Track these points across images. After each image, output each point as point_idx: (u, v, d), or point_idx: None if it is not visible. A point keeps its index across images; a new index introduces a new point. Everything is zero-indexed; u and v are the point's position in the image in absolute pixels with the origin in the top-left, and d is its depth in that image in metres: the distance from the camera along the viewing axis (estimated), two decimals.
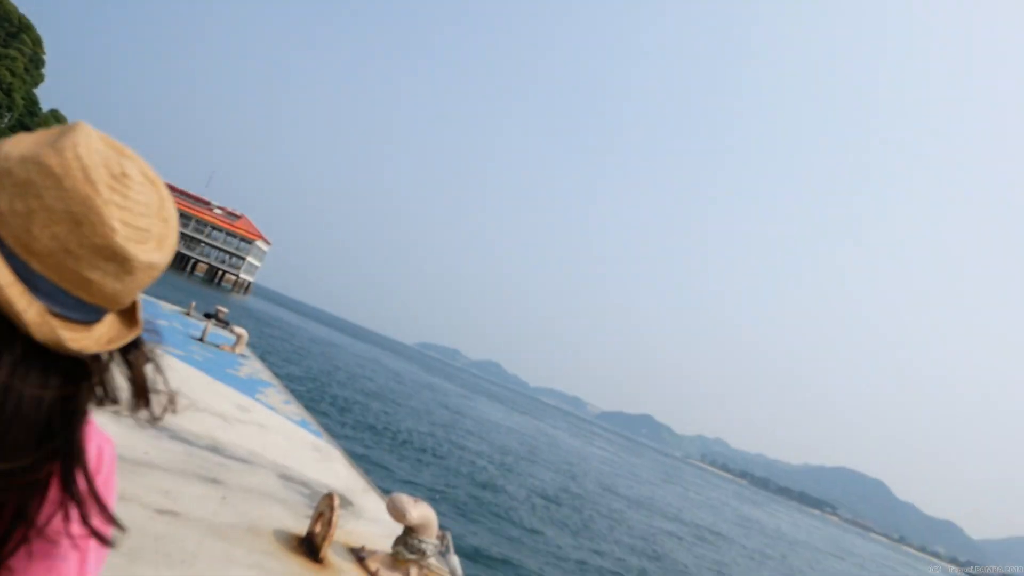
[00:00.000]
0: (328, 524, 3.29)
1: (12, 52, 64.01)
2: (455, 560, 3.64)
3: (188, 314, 13.23)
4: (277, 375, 10.47)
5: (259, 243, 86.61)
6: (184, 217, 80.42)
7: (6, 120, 65.38)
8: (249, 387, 8.19)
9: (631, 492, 31.56)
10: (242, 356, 10.09)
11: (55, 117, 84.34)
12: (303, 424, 6.98)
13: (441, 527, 3.52)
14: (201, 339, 9.98)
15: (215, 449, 4.57)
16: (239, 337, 10.63)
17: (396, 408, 26.33)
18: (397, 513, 3.38)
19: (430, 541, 3.45)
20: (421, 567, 3.53)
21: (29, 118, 70.18)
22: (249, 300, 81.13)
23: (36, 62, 69.20)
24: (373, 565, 3.41)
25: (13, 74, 63.33)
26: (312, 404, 17.57)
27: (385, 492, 5.12)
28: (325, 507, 3.35)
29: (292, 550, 3.31)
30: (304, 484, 4.62)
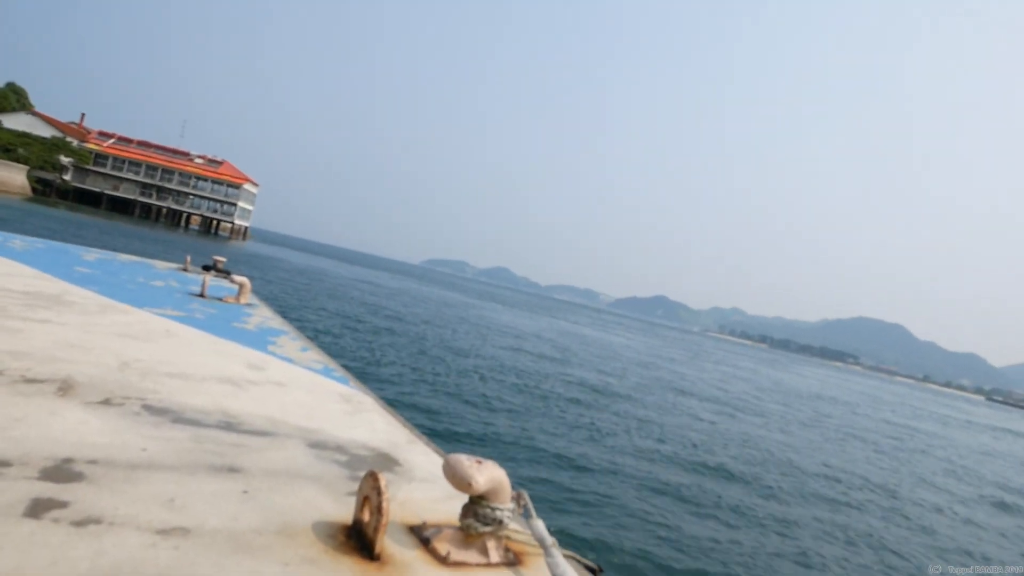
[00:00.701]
0: (378, 511, 2.58)
1: None
2: (540, 524, 2.94)
3: (185, 269, 12.48)
4: (289, 320, 9.76)
5: (247, 186, 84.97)
6: (167, 172, 78.56)
7: None
8: (260, 340, 7.42)
9: (667, 377, 31.61)
10: (248, 306, 9.42)
11: (13, 91, 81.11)
12: (326, 372, 6.27)
13: (513, 487, 2.85)
14: (201, 294, 9.30)
15: (228, 425, 3.86)
16: (241, 286, 9.94)
17: (415, 331, 25.99)
18: (460, 483, 2.68)
19: (504, 507, 2.76)
20: (499, 538, 2.84)
21: None
22: (248, 245, 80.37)
23: None
24: (442, 547, 2.72)
25: None
26: (331, 346, 17.10)
27: (432, 439, 4.50)
28: (370, 490, 2.64)
29: (338, 549, 2.60)
30: (339, 449, 3.91)
